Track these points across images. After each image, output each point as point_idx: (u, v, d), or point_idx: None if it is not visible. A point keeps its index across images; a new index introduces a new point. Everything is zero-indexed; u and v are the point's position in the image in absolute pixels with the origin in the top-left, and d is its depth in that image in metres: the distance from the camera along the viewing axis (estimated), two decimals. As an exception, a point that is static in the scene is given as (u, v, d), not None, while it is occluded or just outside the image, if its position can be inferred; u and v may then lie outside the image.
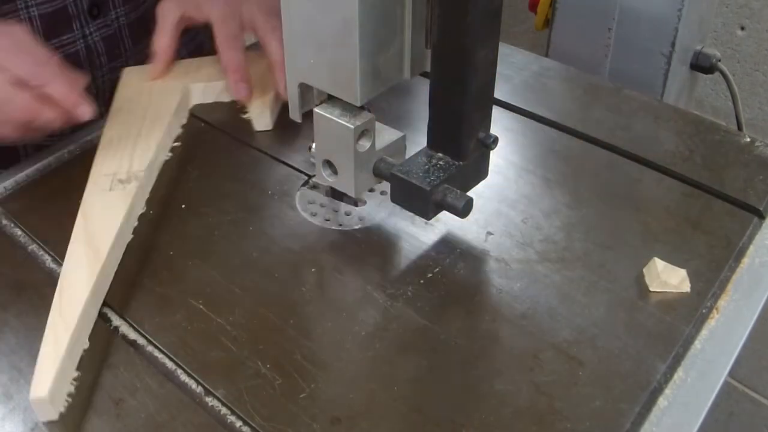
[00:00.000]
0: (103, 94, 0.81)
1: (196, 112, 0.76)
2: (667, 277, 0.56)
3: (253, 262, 0.59)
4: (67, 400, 0.49)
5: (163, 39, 0.75)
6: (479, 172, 0.60)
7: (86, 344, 0.53)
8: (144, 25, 0.83)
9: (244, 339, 0.53)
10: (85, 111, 0.64)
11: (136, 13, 0.82)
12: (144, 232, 0.61)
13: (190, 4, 0.75)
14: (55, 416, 0.48)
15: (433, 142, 0.58)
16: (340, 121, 0.56)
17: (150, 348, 0.53)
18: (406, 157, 0.59)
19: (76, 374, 0.51)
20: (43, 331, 0.53)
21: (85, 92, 0.65)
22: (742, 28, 1.14)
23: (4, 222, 0.63)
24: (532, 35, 1.21)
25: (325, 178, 0.60)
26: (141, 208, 0.63)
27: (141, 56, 0.84)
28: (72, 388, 0.50)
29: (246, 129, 0.73)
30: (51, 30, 0.75)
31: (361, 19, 0.50)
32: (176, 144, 0.71)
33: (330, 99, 0.57)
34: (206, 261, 0.59)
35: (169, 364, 0.52)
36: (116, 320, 0.54)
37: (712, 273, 0.58)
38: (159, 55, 0.75)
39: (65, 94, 0.64)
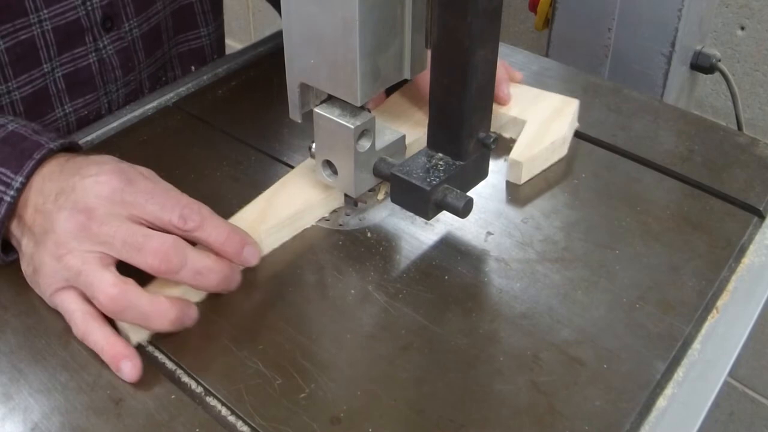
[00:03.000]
0: (116, 107, 0.80)
1: (193, 111, 0.76)
2: None
3: (253, 262, 0.59)
4: None
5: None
6: (479, 172, 0.60)
7: None
8: (156, 37, 0.83)
9: (244, 339, 0.53)
10: (251, 254, 0.54)
11: (148, 25, 0.81)
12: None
13: None
14: None
15: (434, 142, 0.58)
16: (340, 121, 0.56)
17: (150, 348, 0.53)
18: (406, 157, 0.59)
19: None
20: (43, 330, 0.53)
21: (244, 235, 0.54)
22: (742, 28, 1.14)
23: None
24: (532, 35, 1.21)
25: (324, 178, 0.60)
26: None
27: (152, 68, 0.84)
28: None
29: (245, 129, 0.73)
30: (63, 44, 0.73)
31: (362, 18, 0.50)
32: (175, 142, 0.71)
33: (330, 99, 0.57)
34: (206, 261, 0.59)
35: (169, 364, 0.52)
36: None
37: (713, 273, 0.58)
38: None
39: (226, 235, 0.53)
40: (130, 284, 0.50)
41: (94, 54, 0.76)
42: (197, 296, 0.55)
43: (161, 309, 0.51)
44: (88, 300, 0.52)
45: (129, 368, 0.49)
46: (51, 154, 0.56)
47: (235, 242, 0.53)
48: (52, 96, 0.75)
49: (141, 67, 0.82)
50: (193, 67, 0.88)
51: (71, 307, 0.52)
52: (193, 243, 0.53)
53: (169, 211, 0.52)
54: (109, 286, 0.50)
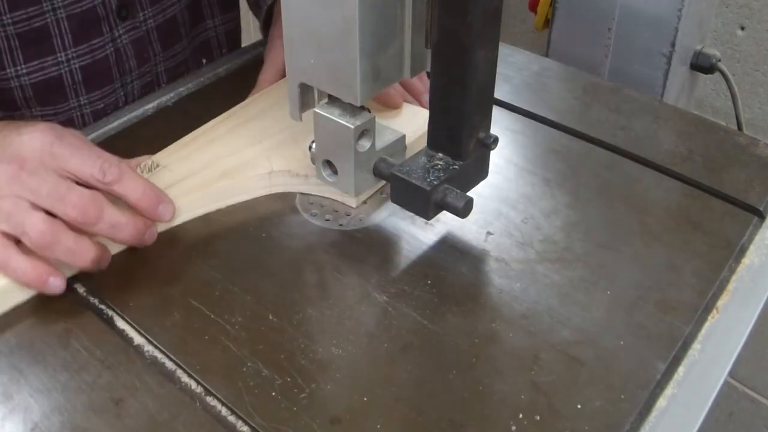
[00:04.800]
0: (132, 100, 0.80)
1: (194, 111, 0.76)
2: None
3: (254, 261, 0.59)
4: None
5: (270, 73, 0.74)
6: (479, 172, 0.60)
7: None
8: (173, 30, 0.83)
9: (244, 339, 0.53)
10: (166, 211, 0.58)
11: (164, 16, 0.81)
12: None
13: None
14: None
15: (434, 142, 0.58)
16: (340, 121, 0.56)
17: (150, 348, 0.53)
18: (406, 157, 0.59)
19: None
20: (43, 330, 0.53)
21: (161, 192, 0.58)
22: (742, 28, 1.14)
23: (4, 222, 0.63)
24: (532, 35, 1.21)
25: (325, 178, 0.60)
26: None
27: (170, 62, 0.84)
28: None
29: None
30: (81, 34, 0.74)
31: (362, 18, 0.50)
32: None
33: (330, 99, 0.57)
34: (206, 261, 0.59)
35: (169, 364, 0.52)
36: (117, 320, 0.54)
37: (713, 273, 0.58)
38: (260, 85, 0.74)
39: (142, 191, 0.57)
40: (58, 223, 0.54)
41: (110, 44, 0.76)
42: (116, 248, 0.58)
43: (84, 247, 0.55)
44: (13, 239, 0.54)
45: (57, 282, 0.54)
46: None
47: (151, 198, 0.57)
48: (67, 87, 0.76)
49: (157, 59, 0.82)
50: (204, 60, 0.88)
51: None
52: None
53: (90, 165, 0.55)
54: (40, 222, 0.53)
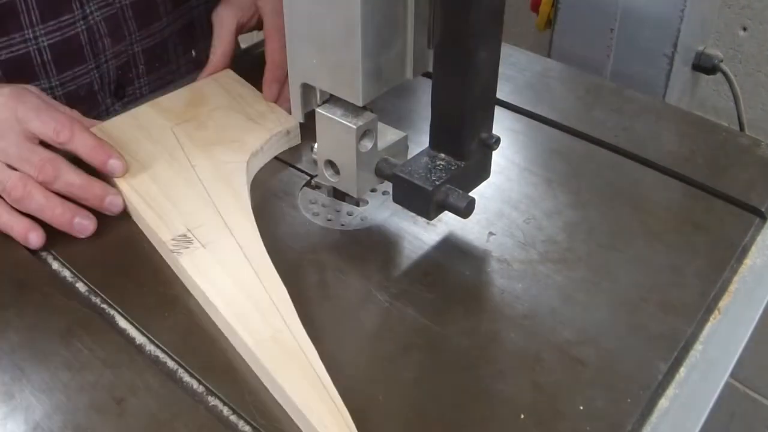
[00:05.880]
0: (107, 82, 0.79)
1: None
2: None
3: (255, 261, 0.59)
4: None
5: (221, 48, 0.76)
6: (481, 172, 0.60)
7: None
8: (150, 8, 0.80)
9: (246, 339, 0.53)
10: (116, 166, 0.63)
11: None
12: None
13: (245, 6, 0.76)
14: None
15: (436, 143, 0.58)
16: (342, 121, 0.56)
17: (151, 347, 0.53)
18: (408, 157, 0.59)
19: None
20: (45, 329, 0.53)
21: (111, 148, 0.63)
22: (744, 29, 1.14)
23: (7, 221, 0.63)
24: (534, 36, 1.21)
25: (327, 178, 0.60)
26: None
27: (147, 42, 0.81)
28: None
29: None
30: (50, 10, 0.71)
31: (364, 19, 0.50)
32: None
33: (332, 99, 0.57)
34: (208, 260, 0.59)
35: (171, 364, 0.52)
36: (119, 319, 0.55)
37: (714, 274, 0.58)
38: (213, 65, 0.76)
39: (92, 147, 0.62)
40: (31, 181, 0.60)
41: (82, 22, 0.74)
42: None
43: (54, 204, 0.60)
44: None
45: (35, 238, 0.60)
46: None
47: (99, 153, 0.63)
48: (36, 66, 0.73)
49: (133, 39, 0.79)
50: (194, 52, 0.87)
51: None
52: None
53: (47, 127, 0.61)
54: (15, 179, 0.60)
